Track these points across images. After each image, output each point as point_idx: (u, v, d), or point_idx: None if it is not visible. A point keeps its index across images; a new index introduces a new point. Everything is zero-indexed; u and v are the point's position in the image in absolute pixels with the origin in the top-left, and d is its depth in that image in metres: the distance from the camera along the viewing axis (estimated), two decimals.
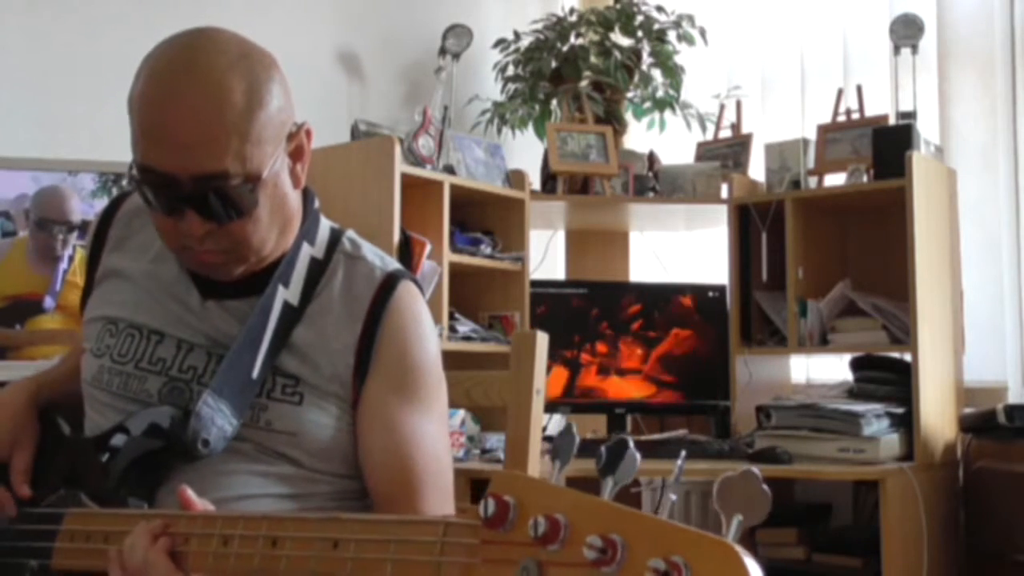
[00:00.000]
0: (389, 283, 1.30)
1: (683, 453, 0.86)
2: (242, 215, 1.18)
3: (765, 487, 0.74)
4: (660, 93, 3.71)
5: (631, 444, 0.82)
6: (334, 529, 0.93)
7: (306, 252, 1.30)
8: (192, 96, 1.13)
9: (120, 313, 1.31)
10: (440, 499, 1.28)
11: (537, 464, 1.49)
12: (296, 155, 1.25)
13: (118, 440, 1.21)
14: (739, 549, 0.69)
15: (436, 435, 1.30)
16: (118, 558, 1.04)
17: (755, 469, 0.74)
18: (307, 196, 1.34)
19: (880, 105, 3.32)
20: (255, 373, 1.22)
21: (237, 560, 0.98)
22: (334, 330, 1.27)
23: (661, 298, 3.45)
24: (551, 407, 3.34)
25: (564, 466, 0.84)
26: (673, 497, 0.78)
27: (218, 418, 1.19)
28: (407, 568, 0.86)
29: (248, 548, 0.97)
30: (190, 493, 1.06)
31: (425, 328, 1.32)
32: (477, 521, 0.80)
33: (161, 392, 1.26)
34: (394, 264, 1.35)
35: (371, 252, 1.35)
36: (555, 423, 3.67)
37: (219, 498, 1.19)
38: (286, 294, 1.27)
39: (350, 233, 1.38)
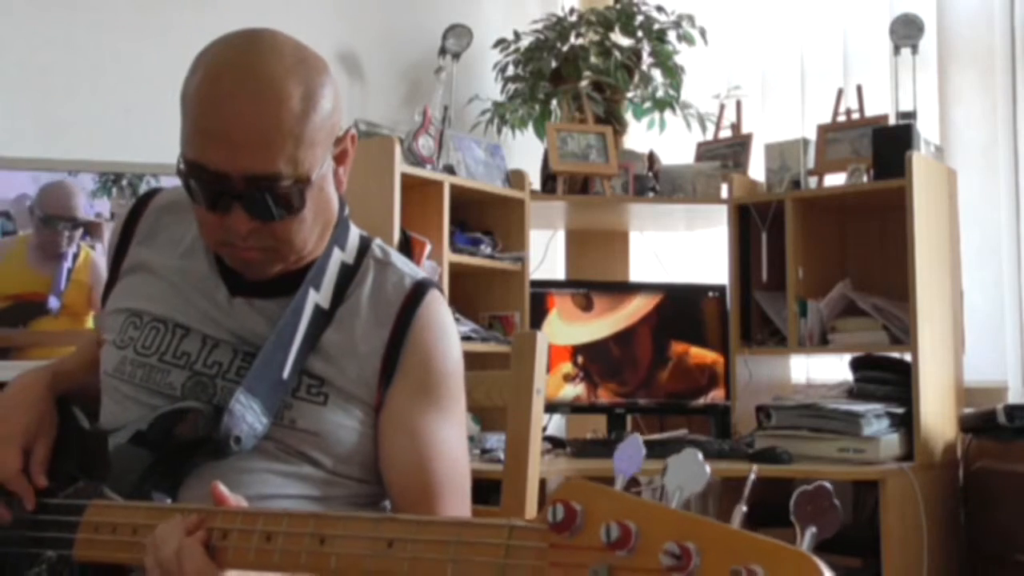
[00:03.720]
0: (418, 291, 1.31)
1: (754, 467, 0.88)
2: (289, 215, 1.20)
3: (836, 502, 0.75)
4: (660, 93, 3.71)
5: (700, 455, 0.82)
6: (388, 529, 0.92)
7: (337, 257, 1.32)
8: (251, 99, 1.15)
9: (145, 306, 1.32)
10: (459, 504, 1.29)
11: (537, 464, 1.49)
12: (341, 159, 1.28)
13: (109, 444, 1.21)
14: (818, 561, 0.69)
15: (456, 441, 1.31)
16: (152, 548, 1.03)
17: (827, 484, 0.76)
18: (339, 203, 1.35)
19: (880, 105, 3.32)
20: (285, 373, 1.23)
21: (282, 556, 0.97)
22: (362, 333, 1.28)
23: (661, 298, 3.45)
24: (551, 407, 3.34)
25: (629, 475, 0.84)
26: (744, 508, 0.79)
27: (249, 416, 1.20)
28: (470, 569, 0.86)
29: (294, 545, 0.97)
30: (222, 488, 1.06)
31: (451, 337, 1.34)
32: (543, 525, 0.80)
33: (185, 386, 1.26)
34: (422, 273, 1.36)
35: (400, 260, 1.37)
36: (555, 422, 3.67)
37: (240, 495, 1.19)
38: (317, 297, 1.28)
39: (379, 241, 1.40)
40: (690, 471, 0.81)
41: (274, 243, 1.22)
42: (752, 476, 0.84)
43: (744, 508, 0.78)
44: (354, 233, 1.37)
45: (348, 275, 1.32)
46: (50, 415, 1.32)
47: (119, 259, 1.39)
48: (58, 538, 1.16)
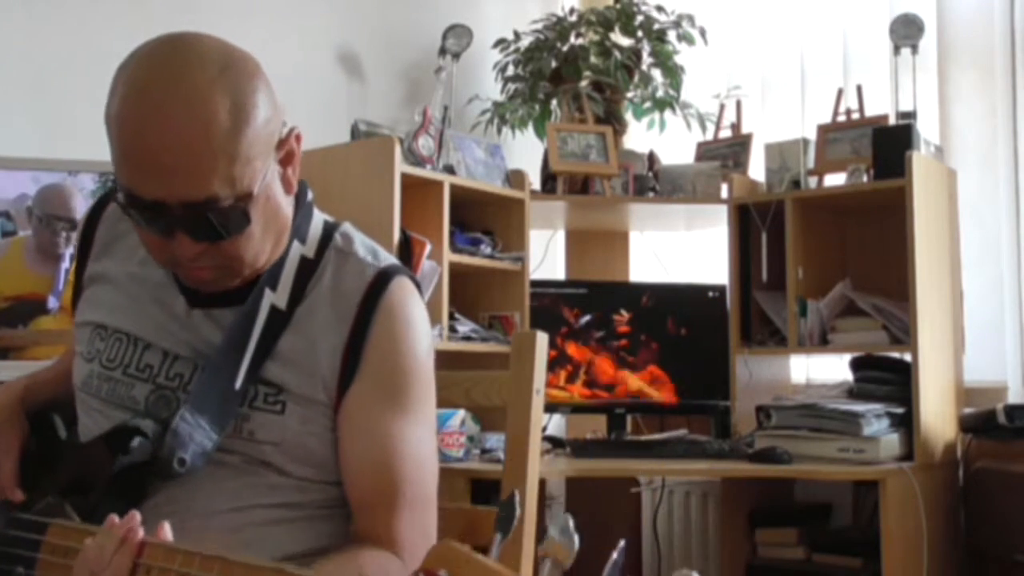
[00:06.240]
0: (380, 281, 1.25)
1: (621, 543, 0.86)
2: (234, 234, 1.14)
3: None
4: (660, 93, 3.71)
5: (571, 523, 0.81)
6: None
7: (296, 251, 1.26)
8: (175, 120, 1.07)
9: (108, 319, 1.28)
10: (420, 508, 1.24)
11: (537, 464, 1.48)
12: (286, 161, 1.21)
13: (136, 442, 1.18)
14: None
15: (420, 441, 1.25)
16: (84, 563, 1.02)
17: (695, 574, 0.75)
18: (300, 189, 1.28)
19: (880, 105, 3.32)
20: (238, 383, 1.18)
21: None
22: (321, 332, 1.23)
23: (661, 298, 3.45)
24: (551, 407, 3.34)
25: (504, 539, 0.83)
26: None
27: (197, 434, 1.15)
28: None
29: None
30: (166, 531, 1.05)
31: (417, 329, 1.26)
32: None
33: (148, 400, 1.22)
34: (388, 259, 1.29)
35: (363, 247, 1.30)
36: (555, 422, 3.67)
37: (208, 511, 1.17)
38: (273, 297, 1.22)
39: (344, 227, 1.32)
40: (561, 542, 0.81)
41: (225, 261, 1.17)
42: (615, 555, 0.83)
43: None
44: (317, 221, 1.30)
45: (308, 270, 1.25)
46: (17, 429, 1.29)
47: (81, 270, 1.35)
48: (25, 556, 1.15)
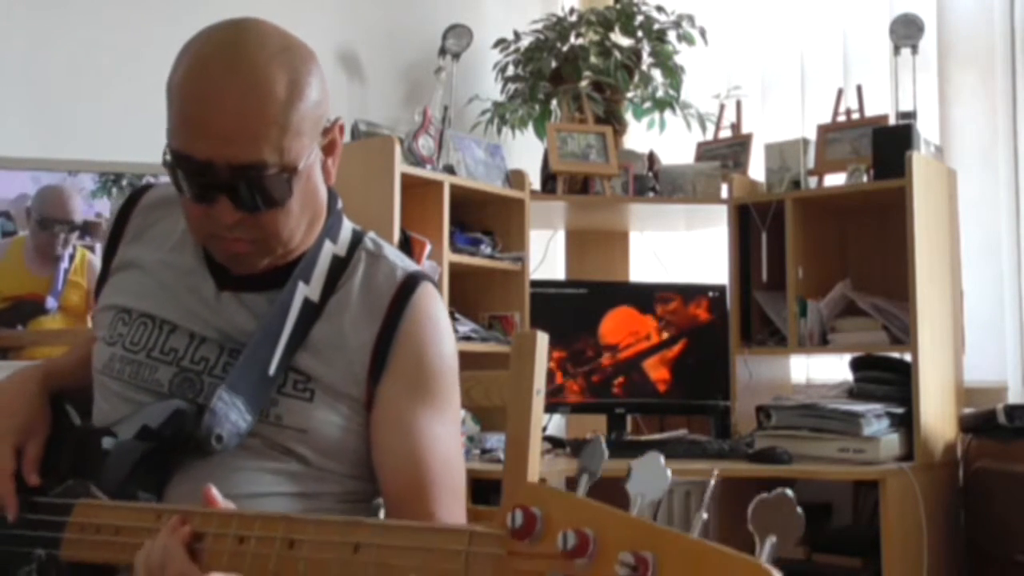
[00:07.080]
0: (409, 283, 1.30)
1: (715, 472, 0.87)
2: (275, 205, 1.18)
3: (799, 510, 0.73)
4: (660, 93, 3.71)
5: (661, 460, 0.81)
6: (355, 533, 0.92)
7: (328, 249, 1.30)
8: (235, 89, 1.14)
9: (133, 303, 1.31)
10: (452, 502, 1.28)
11: (537, 464, 1.48)
12: (329, 149, 1.26)
13: (107, 443, 1.21)
14: (774, 571, 0.68)
15: (449, 438, 1.30)
16: (144, 560, 1.03)
17: (789, 492, 0.74)
18: (331, 196, 1.34)
19: (880, 105, 3.32)
20: (272, 370, 1.22)
21: (253, 560, 0.97)
22: (352, 327, 1.27)
23: (661, 298, 3.45)
24: (551, 407, 3.34)
25: (592, 479, 0.83)
26: (705, 516, 0.77)
27: (232, 414, 1.19)
28: None
29: (265, 549, 0.96)
30: (214, 492, 1.06)
31: (443, 330, 1.31)
32: (503, 531, 0.80)
33: (172, 383, 1.25)
34: (414, 265, 1.35)
35: (392, 252, 1.35)
36: (555, 422, 3.67)
37: (228, 495, 1.17)
38: (306, 291, 1.27)
39: (372, 234, 1.38)
40: (652, 476, 0.80)
41: (261, 235, 1.20)
42: (712, 482, 0.83)
43: (705, 516, 0.77)
44: (347, 226, 1.36)
45: (339, 268, 1.31)
46: (43, 413, 1.31)
47: (110, 257, 1.39)
48: (47, 537, 1.16)
